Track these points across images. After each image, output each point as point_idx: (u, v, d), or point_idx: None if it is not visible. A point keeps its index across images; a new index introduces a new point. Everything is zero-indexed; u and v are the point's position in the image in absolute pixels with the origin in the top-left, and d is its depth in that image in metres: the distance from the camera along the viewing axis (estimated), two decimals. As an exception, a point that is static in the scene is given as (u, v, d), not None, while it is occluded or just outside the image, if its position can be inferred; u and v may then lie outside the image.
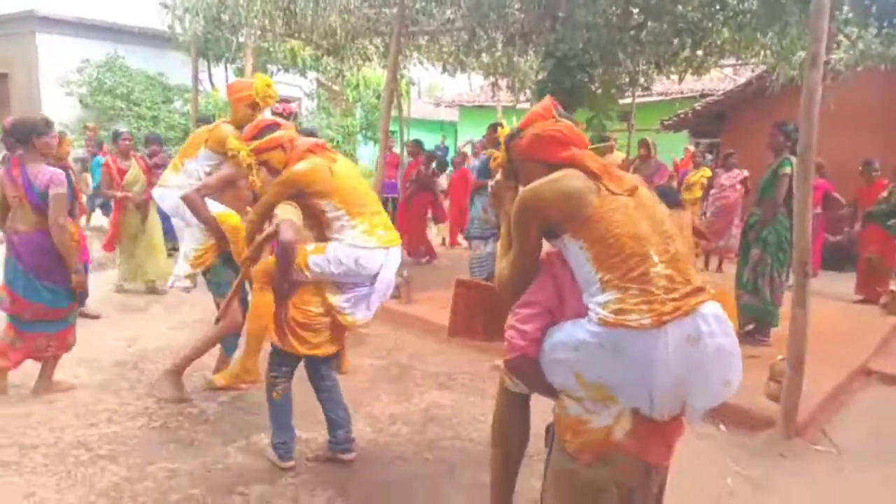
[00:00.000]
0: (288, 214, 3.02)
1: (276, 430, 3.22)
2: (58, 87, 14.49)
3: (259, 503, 2.91)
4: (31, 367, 4.16)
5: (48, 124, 3.91)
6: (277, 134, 3.04)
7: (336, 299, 2.99)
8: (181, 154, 3.87)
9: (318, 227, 2.99)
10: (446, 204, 10.02)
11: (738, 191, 8.34)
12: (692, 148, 10.04)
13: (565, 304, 1.86)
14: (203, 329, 4.96)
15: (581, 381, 1.78)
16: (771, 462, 3.50)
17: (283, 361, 3.13)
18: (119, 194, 6.41)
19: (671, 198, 4.70)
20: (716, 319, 1.75)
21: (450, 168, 11.75)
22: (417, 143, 8.97)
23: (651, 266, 1.71)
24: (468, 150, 12.71)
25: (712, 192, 8.41)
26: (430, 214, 9.18)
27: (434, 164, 8.99)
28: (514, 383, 2.02)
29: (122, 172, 6.52)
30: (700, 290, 1.76)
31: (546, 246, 1.98)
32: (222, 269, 3.92)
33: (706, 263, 8.49)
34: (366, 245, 2.93)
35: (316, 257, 2.89)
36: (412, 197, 8.62)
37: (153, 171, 6.75)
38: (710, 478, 3.32)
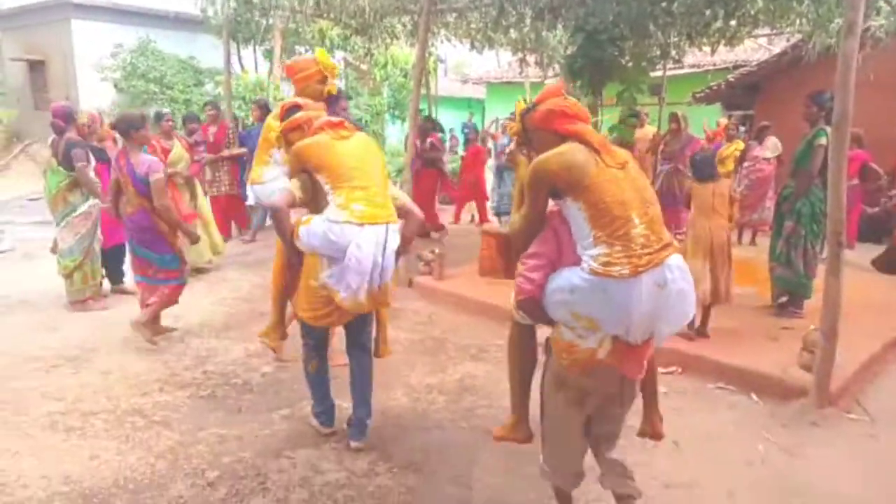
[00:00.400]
0: (292, 185, 3.06)
1: (315, 400, 3.37)
2: (93, 73, 14.83)
3: (305, 466, 3.07)
4: (89, 342, 4.39)
5: (143, 119, 4.64)
6: (297, 115, 3.22)
7: (323, 273, 2.95)
8: (262, 147, 3.74)
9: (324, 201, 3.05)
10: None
11: (772, 163, 8.23)
12: (724, 120, 9.86)
13: (563, 254, 2.25)
14: (264, 308, 5.24)
15: (575, 316, 2.20)
16: (803, 430, 3.54)
17: (306, 332, 3.22)
18: (169, 170, 6.58)
19: (708, 169, 4.65)
20: (678, 269, 2.17)
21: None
22: (429, 120, 8.91)
23: (632, 227, 2.11)
24: (493, 129, 12.64)
25: (745, 164, 8.29)
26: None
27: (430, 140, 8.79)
28: (522, 317, 2.41)
29: (166, 152, 6.69)
30: (668, 245, 2.16)
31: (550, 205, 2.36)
32: None
33: (739, 237, 8.41)
34: (336, 219, 2.86)
35: (301, 228, 2.96)
36: (418, 173, 8.52)
37: (194, 148, 6.93)
38: (742, 445, 3.38)
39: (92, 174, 5.37)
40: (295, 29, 11.02)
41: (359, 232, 2.85)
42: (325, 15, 7.98)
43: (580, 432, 2.44)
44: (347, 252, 2.84)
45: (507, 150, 2.65)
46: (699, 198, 4.66)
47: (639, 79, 6.93)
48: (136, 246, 4.61)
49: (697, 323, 4.71)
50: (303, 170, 3.03)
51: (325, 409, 3.36)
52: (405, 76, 17.92)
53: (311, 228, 2.91)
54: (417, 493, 2.89)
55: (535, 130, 2.40)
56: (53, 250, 5.55)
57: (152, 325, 4.66)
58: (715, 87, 11.23)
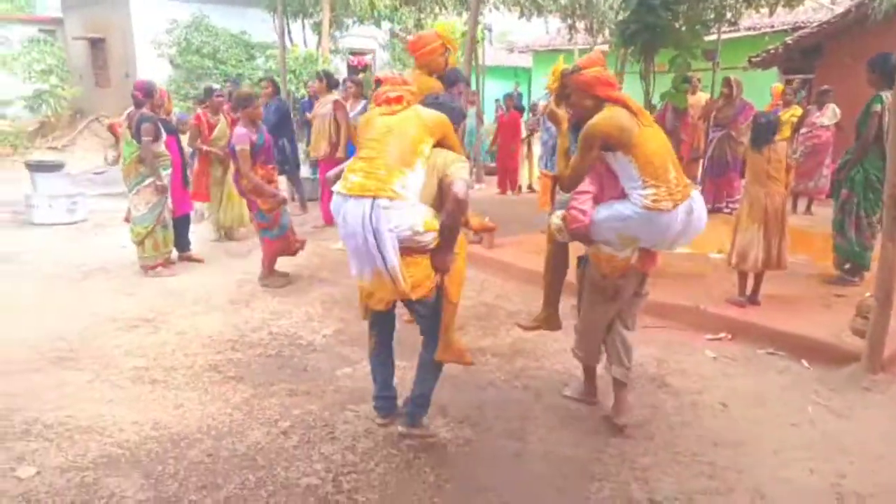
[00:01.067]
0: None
1: (374, 384, 3.19)
2: (150, 49, 15.28)
3: (368, 419, 3.27)
4: (162, 305, 4.73)
5: (250, 98, 5.43)
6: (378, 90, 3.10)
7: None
8: None
9: None
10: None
11: (830, 129, 7.99)
12: (780, 85, 9.53)
13: (604, 192, 2.98)
14: (322, 274, 5.91)
15: (619, 236, 2.93)
16: (854, 394, 3.56)
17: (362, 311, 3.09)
18: (206, 148, 6.86)
19: (769, 134, 4.61)
20: (698, 199, 2.97)
21: (527, 114, 11.61)
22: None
23: (669, 173, 2.85)
24: (544, 99, 12.49)
25: (803, 131, 8.09)
26: None
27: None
28: (563, 237, 3.09)
29: (211, 127, 6.96)
30: (688, 184, 2.96)
31: None
32: None
33: (794, 205, 8.22)
34: (336, 190, 2.79)
35: None
36: None
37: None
38: (791, 408, 3.44)
39: (160, 147, 5.67)
40: (344, 2, 11.10)
41: (342, 203, 2.70)
42: (374, -14, 8.06)
43: (606, 323, 3.24)
44: (339, 225, 2.76)
45: (545, 107, 2.94)
46: (754, 164, 4.63)
47: (692, 43, 6.78)
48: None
49: (749, 290, 4.72)
50: None
51: (378, 396, 3.16)
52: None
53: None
54: (474, 445, 3.07)
55: (578, 92, 2.95)
56: (127, 219, 5.90)
57: (269, 276, 5.56)
58: (772, 51, 10.85)
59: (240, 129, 5.34)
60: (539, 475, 2.84)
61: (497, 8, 9.49)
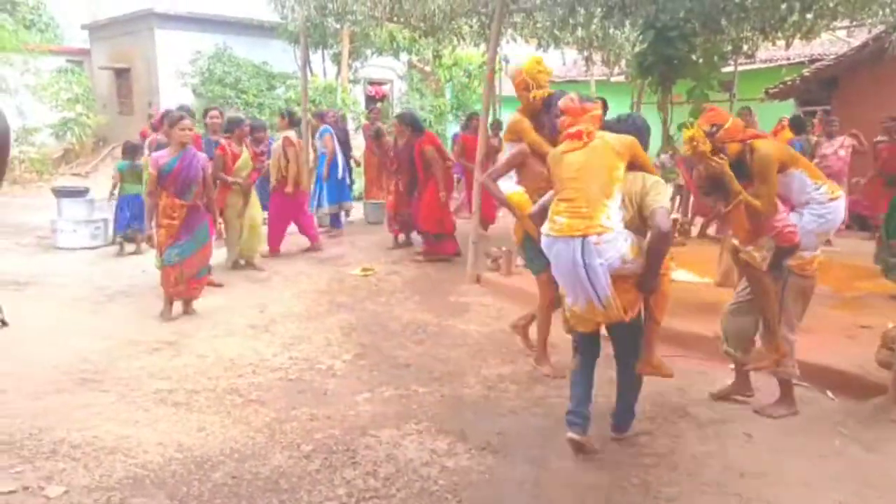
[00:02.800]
0: None
1: (570, 400, 3.22)
2: (173, 78, 15.67)
3: (389, 444, 3.28)
4: (184, 329, 4.78)
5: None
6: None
7: None
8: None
9: None
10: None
11: (843, 158, 7.98)
12: (786, 117, 9.53)
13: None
14: (341, 299, 5.81)
15: (819, 236, 3.49)
16: (881, 427, 3.49)
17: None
18: (230, 179, 6.87)
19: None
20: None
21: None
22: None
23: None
24: None
25: (814, 161, 8.01)
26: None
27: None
28: (765, 265, 3.38)
29: (235, 157, 7.04)
30: None
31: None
32: (530, 246, 4.03)
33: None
34: (545, 233, 3.03)
35: None
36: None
37: (258, 157, 7.21)
38: (818, 439, 3.38)
39: None
40: (364, 32, 11.36)
41: (552, 244, 2.93)
42: (395, 19, 8.25)
43: None
44: None
45: (714, 164, 3.35)
46: None
47: (710, 75, 6.88)
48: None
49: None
50: None
51: (572, 412, 3.15)
52: (469, 76, 18.10)
53: None
54: (496, 472, 3.05)
55: (727, 143, 3.40)
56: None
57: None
58: (789, 83, 10.90)
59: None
60: (561, 504, 2.82)
61: (514, 39, 9.64)
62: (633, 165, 3.00)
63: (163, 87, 15.96)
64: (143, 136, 8.01)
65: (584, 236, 2.76)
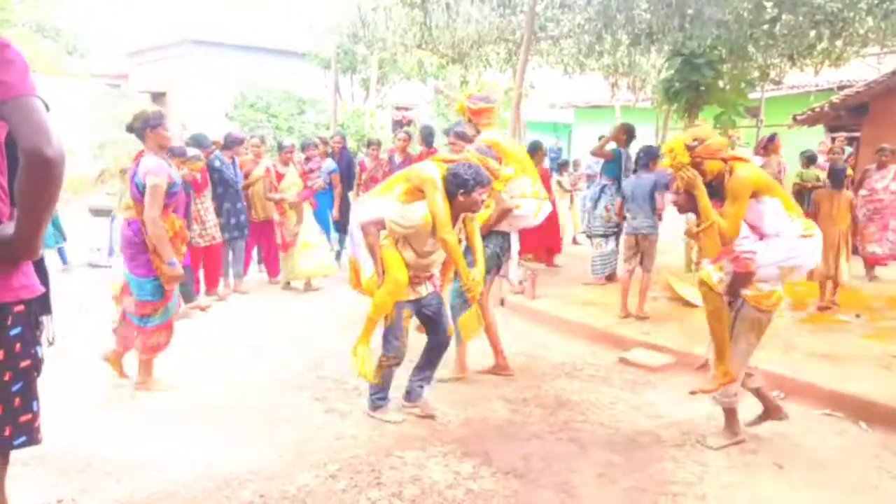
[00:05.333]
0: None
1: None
2: (207, 102, 16.10)
3: (414, 465, 3.29)
4: (209, 346, 4.85)
5: (160, 117, 4.09)
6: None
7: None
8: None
9: None
10: None
11: (894, 191, 7.39)
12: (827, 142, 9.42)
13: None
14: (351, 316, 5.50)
15: (781, 269, 3.30)
16: (919, 460, 3.42)
17: None
18: (276, 196, 7.04)
19: (840, 177, 6.16)
20: None
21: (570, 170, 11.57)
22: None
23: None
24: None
25: (861, 193, 7.57)
26: None
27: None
28: (722, 288, 3.38)
29: (280, 178, 7.21)
30: None
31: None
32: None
33: (867, 273, 7.64)
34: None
35: None
36: None
37: (308, 175, 7.36)
38: (852, 472, 3.31)
39: None
40: (392, 59, 11.59)
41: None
42: (424, 46, 8.42)
43: None
44: None
45: (689, 176, 3.27)
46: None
47: (737, 101, 6.87)
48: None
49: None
50: None
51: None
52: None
53: None
54: (520, 496, 3.04)
55: (709, 158, 3.29)
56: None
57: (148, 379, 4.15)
58: (817, 109, 10.81)
59: (152, 160, 3.97)
60: (588, 530, 2.80)
61: (541, 66, 9.75)
62: None
63: (197, 110, 16.41)
64: None
65: None
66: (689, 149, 3.28)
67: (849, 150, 10.72)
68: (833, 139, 11.12)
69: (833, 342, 5.10)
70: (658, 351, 5.07)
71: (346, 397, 4.19)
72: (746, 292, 3.33)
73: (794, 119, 11.12)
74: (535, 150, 6.81)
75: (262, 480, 3.07)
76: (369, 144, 8.20)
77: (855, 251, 8.14)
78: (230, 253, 6.85)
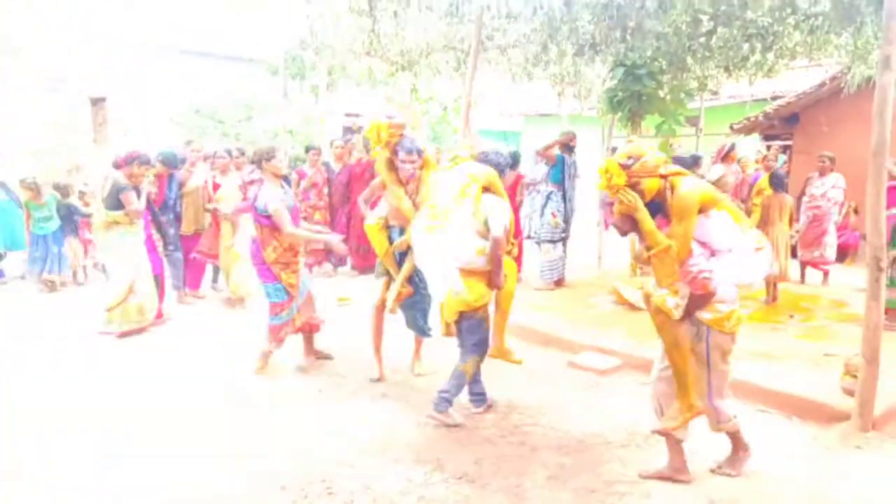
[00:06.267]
0: None
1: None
2: (150, 108, 15.65)
3: (366, 474, 3.28)
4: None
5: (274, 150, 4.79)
6: None
7: None
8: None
9: None
10: None
11: (832, 199, 7.65)
12: (762, 151, 9.86)
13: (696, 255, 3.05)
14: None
15: (739, 286, 3.10)
16: (846, 453, 3.60)
17: None
18: (211, 206, 6.92)
19: (780, 182, 6.82)
20: None
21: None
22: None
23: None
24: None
25: (804, 199, 7.88)
26: None
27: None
28: (679, 313, 3.05)
29: (216, 188, 7.03)
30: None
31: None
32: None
33: (802, 275, 7.88)
34: None
35: None
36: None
37: (247, 187, 7.19)
38: (785, 466, 3.46)
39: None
40: (341, 66, 11.55)
41: None
42: (373, 53, 8.42)
43: None
44: None
45: (628, 199, 3.04)
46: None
47: (677, 110, 7.13)
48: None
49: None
50: None
51: None
52: (444, 109, 18.38)
53: None
54: (472, 501, 3.07)
55: (647, 176, 3.06)
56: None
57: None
58: (753, 119, 11.31)
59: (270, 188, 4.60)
60: (538, 532, 2.84)
61: (489, 74, 9.87)
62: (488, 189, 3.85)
63: (141, 116, 15.93)
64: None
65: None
66: (625, 168, 3.04)
67: (782, 157, 11.25)
68: (768, 147, 11.65)
69: (768, 342, 5.33)
70: (606, 354, 5.19)
71: (298, 408, 4.14)
72: (706, 315, 3.04)
73: (731, 128, 11.59)
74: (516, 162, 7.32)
75: (210, 497, 3.01)
76: (308, 150, 8.16)
77: (794, 255, 8.56)
78: (171, 267, 6.67)
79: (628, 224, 3.12)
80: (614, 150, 9.48)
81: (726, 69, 7.59)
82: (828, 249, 7.68)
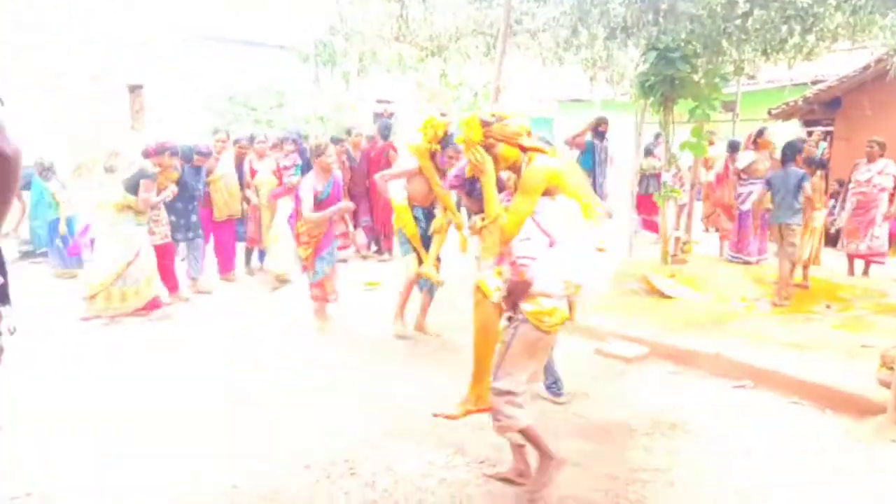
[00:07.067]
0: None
1: None
2: (184, 94, 15.91)
3: (388, 455, 3.31)
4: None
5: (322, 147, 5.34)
6: None
7: None
8: None
9: None
10: None
11: (878, 185, 7.26)
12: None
13: (537, 240, 2.82)
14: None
15: (566, 283, 2.81)
16: (881, 446, 3.50)
17: None
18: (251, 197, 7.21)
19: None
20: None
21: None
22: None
23: (599, 215, 2.94)
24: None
25: (850, 185, 7.55)
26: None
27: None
28: (498, 296, 2.83)
29: (253, 174, 7.24)
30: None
31: None
32: (401, 235, 5.28)
33: (850, 268, 7.55)
34: None
35: None
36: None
37: (282, 172, 7.28)
38: (817, 459, 3.39)
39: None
40: (372, 52, 11.54)
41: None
42: (402, 38, 8.40)
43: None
44: None
45: (478, 157, 2.85)
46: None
47: (711, 95, 6.94)
48: None
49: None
50: None
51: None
52: (475, 95, 18.26)
53: None
54: (492, 485, 3.08)
55: (503, 142, 2.85)
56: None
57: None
58: (792, 103, 10.97)
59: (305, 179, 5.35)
60: (558, 517, 2.84)
61: (518, 59, 9.75)
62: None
63: (176, 103, 16.22)
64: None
65: None
66: (485, 125, 2.84)
67: (823, 144, 10.92)
68: (809, 133, 11.31)
69: (803, 332, 5.21)
70: (634, 342, 5.14)
71: (318, 392, 4.20)
72: (526, 306, 2.78)
73: (769, 113, 11.27)
74: None
75: (235, 472, 3.08)
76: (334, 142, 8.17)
77: (834, 243, 8.31)
78: (190, 253, 6.79)
79: (475, 188, 3.00)
80: (657, 136, 9.39)
81: (764, 52, 7.34)
82: (875, 241, 7.28)
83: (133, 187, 5.62)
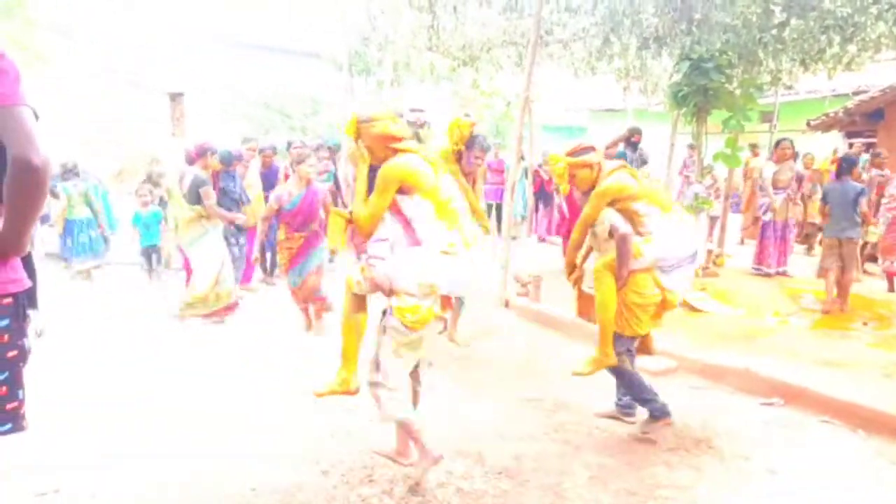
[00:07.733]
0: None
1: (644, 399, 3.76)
2: (222, 102, 16.30)
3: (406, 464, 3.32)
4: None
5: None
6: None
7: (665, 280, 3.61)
8: None
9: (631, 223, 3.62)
10: None
11: None
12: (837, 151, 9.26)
13: (400, 239, 2.93)
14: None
15: (420, 285, 2.84)
16: (915, 469, 3.39)
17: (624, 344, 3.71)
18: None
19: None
20: (482, 251, 3.17)
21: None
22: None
23: (463, 220, 3.00)
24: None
25: (883, 200, 7.44)
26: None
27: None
28: (361, 289, 2.96)
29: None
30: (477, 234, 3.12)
31: None
32: None
33: (890, 285, 7.19)
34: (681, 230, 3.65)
35: (647, 245, 3.55)
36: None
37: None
38: (847, 480, 3.29)
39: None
40: (405, 62, 11.68)
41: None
42: (435, 48, 8.47)
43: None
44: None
45: (351, 152, 3.05)
46: None
47: (746, 105, 6.82)
48: None
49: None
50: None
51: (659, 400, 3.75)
52: (508, 104, 18.26)
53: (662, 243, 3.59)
54: (509, 497, 3.06)
55: (373, 140, 2.93)
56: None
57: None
58: (832, 115, 10.70)
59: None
60: (575, 531, 2.81)
61: (550, 69, 9.75)
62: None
63: (215, 110, 16.62)
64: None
65: None
66: (359, 123, 2.97)
67: (864, 157, 10.62)
68: (850, 145, 11.03)
69: (838, 349, 5.07)
70: (661, 356, 5.05)
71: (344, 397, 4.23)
72: (393, 300, 2.90)
73: (808, 124, 11.02)
74: None
75: (254, 475, 3.12)
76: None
77: (873, 259, 8.03)
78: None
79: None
80: (691, 147, 9.26)
81: (802, 62, 7.20)
82: None
83: (195, 197, 5.76)
